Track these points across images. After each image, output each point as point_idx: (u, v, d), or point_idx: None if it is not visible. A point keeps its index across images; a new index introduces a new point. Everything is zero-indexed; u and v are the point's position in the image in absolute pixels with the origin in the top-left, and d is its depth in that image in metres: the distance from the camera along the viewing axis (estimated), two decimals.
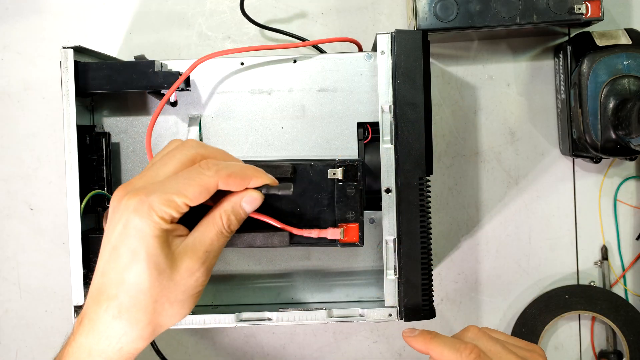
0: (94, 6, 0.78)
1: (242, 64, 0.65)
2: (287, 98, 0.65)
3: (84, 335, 0.46)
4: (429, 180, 0.60)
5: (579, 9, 0.66)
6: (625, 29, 0.70)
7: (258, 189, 0.50)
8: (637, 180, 0.77)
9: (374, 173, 0.63)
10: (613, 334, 0.77)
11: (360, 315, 0.61)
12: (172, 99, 0.65)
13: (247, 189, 0.50)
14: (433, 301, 0.61)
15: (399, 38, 0.60)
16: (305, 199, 0.57)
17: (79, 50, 0.61)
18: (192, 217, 0.49)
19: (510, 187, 0.78)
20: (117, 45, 0.77)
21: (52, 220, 0.78)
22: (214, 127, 0.65)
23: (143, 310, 0.45)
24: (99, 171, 0.64)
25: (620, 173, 0.77)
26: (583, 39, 0.70)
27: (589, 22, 0.67)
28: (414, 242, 0.59)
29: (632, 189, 0.77)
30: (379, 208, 0.60)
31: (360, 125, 0.65)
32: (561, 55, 0.73)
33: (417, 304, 0.60)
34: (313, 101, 0.65)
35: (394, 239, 0.60)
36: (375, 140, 0.63)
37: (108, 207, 0.62)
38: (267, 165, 0.54)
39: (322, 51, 0.71)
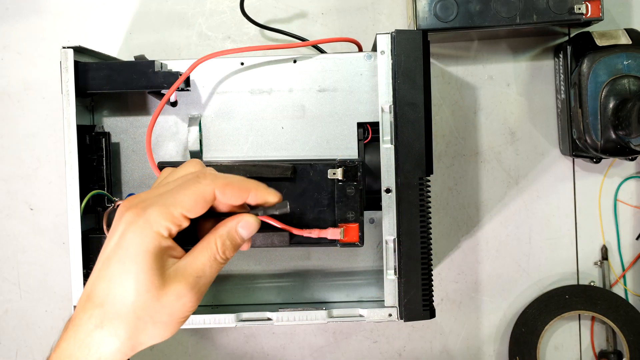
0: (94, 6, 0.78)
1: (242, 64, 0.65)
2: (287, 98, 0.65)
3: (66, 340, 0.45)
4: (429, 180, 0.60)
5: (579, 9, 0.66)
6: (625, 29, 0.70)
7: (254, 211, 0.49)
8: (637, 180, 0.77)
9: (374, 173, 0.63)
10: (613, 334, 0.77)
11: (360, 315, 0.61)
12: (172, 99, 0.65)
13: (243, 213, 0.48)
14: (433, 301, 0.61)
15: (399, 38, 0.60)
16: (305, 199, 0.57)
17: (79, 50, 0.61)
18: (192, 241, 0.48)
19: (510, 187, 0.78)
20: (117, 45, 0.77)
21: (52, 220, 0.78)
22: (214, 127, 0.65)
23: (124, 325, 0.45)
24: (99, 171, 0.64)
25: (620, 173, 0.77)
26: (583, 39, 0.70)
27: (589, 22, 0.67)
28: (414, 242, 0.59)
29: (632, 189, 0.77)
30: (379, 208, 0.60)
31: (360, 125, 0.65)
32: (561, 55, 0.73)
33: (417, 304, 0.60)
34: (313, 101, 0.65)
35: (394, 239, 0.60)
36: (375, 140, 0.63)
37: (108, 207, 0.62)
38: (267, 165, 0.54)
39: (322, 51, 0.71)
